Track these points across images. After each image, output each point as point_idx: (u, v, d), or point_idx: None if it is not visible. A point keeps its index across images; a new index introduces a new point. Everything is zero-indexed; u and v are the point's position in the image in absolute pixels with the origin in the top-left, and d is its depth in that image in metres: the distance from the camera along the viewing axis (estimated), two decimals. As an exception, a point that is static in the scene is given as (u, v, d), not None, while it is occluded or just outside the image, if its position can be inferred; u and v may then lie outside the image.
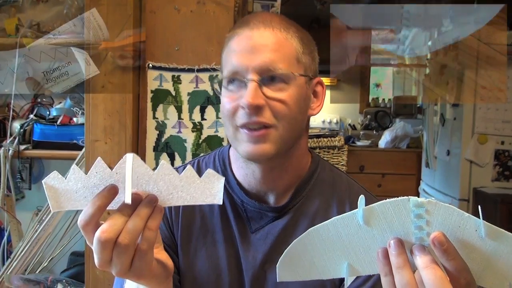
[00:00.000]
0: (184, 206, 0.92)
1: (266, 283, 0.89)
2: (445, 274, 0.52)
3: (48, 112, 2.21)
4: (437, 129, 3.57)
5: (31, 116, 2.13)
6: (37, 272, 2.01)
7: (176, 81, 1.67)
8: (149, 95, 1.67)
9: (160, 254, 0.72)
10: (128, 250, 0.60)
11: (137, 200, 0.63)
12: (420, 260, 0.53)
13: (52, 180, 0.63)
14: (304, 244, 0.59)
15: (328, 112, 5.24)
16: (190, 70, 1.67)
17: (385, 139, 4.35)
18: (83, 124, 1.73)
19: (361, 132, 4.80)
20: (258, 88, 0.80)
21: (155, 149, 1.68)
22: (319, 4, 4.05)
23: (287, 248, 0.60)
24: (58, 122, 2.03)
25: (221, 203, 0.66)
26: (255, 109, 0.80)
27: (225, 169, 0.95)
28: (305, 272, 0.61)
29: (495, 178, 3.11)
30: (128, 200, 0.61)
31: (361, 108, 5.30)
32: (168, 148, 1.68)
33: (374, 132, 4.78)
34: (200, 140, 1.67)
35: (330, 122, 5.23)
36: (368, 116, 5.02)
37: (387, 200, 0.54)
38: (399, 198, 0.53)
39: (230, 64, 0.83)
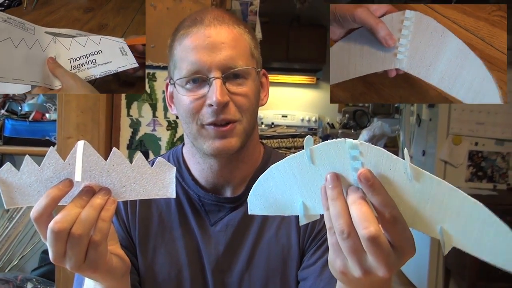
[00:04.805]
0: (140, 206, 0.92)
1: (230, 274, 0.90)
2: (372, 209, 0.53)
3: (20, 108, 2.16)
4: (413, 129, 3.61)
5: (2, 111, 2.09)
6: (6, 270, 1.97)
7: (151, 78, 1.65)
8: (124, 92, 1.65)
9: (116, 250, 0.71)
10: (82, 241, 0.60)
11: (90, 192, 0.64)
12: (350, 197, 0.55)
13: (5, 173, 0.62)
14: (267, 180, 0.61)
15: (307, 111, 5.27)
16: (165, 68, 1.65)
17: (362, 138, 4.39)
18: (55, 120, 1.70)
19: (340, 131, 4.84)
20: (223, 85, 0.82)
21: (129, 147, 1.66)
22: (298, 3, 4.05)
23: (255, 184, 0.62)
24: (30, 118, 1.99)
25: (174, 196, 0.66)
26: (223, 106, 0.82)
27: (179, 167, 0.96)
28: (270, 207, 0.62)
29: (468, 179, 3.17)
30: (78, 178, 0.61)
31: (340, 107, 5.33)
32: (143, 146, 1.66)
33: (352, 131, 4.82)
34: (175, 139, 1.66)
35: (309, 121, 5.25)
36: (347, 115, 5.07)
37: (328, 141, 0.55)
38: (338, 139, 0.55)
39: (189, 62, 0.84)
